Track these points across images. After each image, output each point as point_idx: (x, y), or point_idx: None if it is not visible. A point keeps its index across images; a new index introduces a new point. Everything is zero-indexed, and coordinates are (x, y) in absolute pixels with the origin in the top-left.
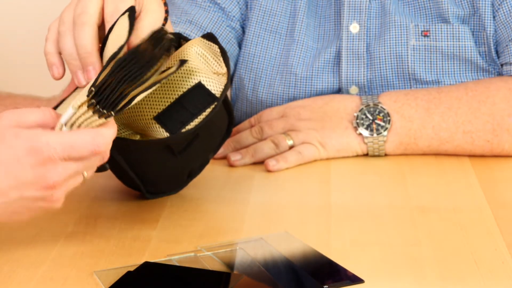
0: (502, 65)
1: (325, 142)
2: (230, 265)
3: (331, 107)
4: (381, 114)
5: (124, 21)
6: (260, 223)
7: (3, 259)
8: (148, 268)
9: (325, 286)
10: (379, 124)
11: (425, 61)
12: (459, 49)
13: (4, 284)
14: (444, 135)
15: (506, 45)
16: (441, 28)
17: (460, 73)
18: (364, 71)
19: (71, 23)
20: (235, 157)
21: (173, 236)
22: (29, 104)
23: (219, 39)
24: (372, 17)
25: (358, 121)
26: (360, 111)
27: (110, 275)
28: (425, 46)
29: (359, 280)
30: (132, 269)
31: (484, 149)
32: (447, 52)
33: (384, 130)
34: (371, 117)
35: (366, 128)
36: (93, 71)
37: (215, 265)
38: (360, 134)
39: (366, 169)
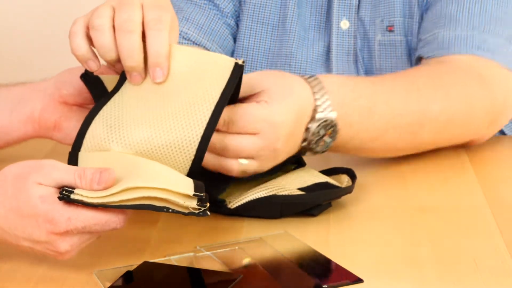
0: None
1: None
2: (230, 265)
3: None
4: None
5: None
6: (259, 223)
7: (3, 258)
8: (147, 268)
9: (324, 286)
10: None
11: (391, 56)
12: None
13: (4, 284)
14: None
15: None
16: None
17: None
18: (353, 68)
19: (110, 20)
20: None
21: (173, 236)
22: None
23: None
24: (362, 14)
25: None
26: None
27: (110, 275)
28: (390, 41)
29: (358, 280)
30: (132, 269)
31: (407, 143)
32: (412, 47)
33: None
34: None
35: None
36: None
37: (215, 265)
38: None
39: (366, 169)
